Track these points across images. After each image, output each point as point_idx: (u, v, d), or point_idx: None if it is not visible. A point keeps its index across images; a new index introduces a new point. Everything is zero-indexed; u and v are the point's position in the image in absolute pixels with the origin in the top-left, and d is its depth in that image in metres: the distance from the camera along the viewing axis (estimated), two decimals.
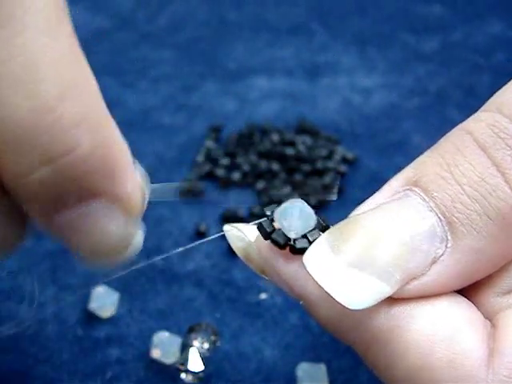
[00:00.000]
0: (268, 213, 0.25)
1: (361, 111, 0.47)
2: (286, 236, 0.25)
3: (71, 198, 0.23)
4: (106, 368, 0.34)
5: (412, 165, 0.25)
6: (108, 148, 0.23)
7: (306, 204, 0.25)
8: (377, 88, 0.48)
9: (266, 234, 0.25)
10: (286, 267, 0.25)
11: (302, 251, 0.24)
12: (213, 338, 0.34)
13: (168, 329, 0.35)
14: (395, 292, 0.23)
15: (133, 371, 0.34)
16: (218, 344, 0.34)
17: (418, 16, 0.53)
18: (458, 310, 0.23)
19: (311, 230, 0.25)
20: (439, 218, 0.23)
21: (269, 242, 0.25)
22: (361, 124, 0.46)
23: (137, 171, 0.25)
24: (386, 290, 0.23)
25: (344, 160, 0.43)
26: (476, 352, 0.22)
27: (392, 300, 0.23)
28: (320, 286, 0.23)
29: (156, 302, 0.37)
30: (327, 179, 0.42)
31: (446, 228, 0.23)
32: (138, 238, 0.26)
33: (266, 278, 0.26)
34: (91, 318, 0.36)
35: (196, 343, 0.34)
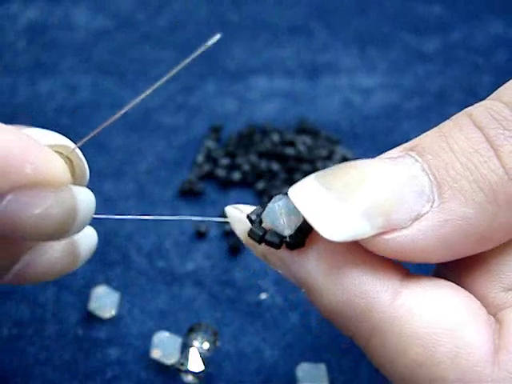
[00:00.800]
0: (253, 217, 0.25)
1: (361, 111, 0.47)
2: (279, 235, 0.25)
3: None
4: (106, 368, 0.34)
5: (412, 139, 0.26)
6: None
7: (287, 196, 0.25)
8: (377, 88, 0.48)
9: (259, 238, 0.25)
10: (288, 255, 0.25)
11: (299, 245, 0.24)
12: (213, 338, 0.34)
13: (168, 329, 0.35)
14: (374, 237, 0.23)
15: (133, 371, 0.34)
16: (218, 344, 0.34)
17: (418, 16, 0.53)
18: (461, 304, 0.23)
19: (303, 222, 0.24)
20: (430, 179, 0.24)
21: (263, 244, 0.25)
22: (361, 124, 0.46)
23: (38, 136, 0.24)
24: (367, 230, 0.23)
25: (344, 160, 0.43)
26: (481, 347, 0.22)
27: (395, 290, 0.23)
28: (303, 215, 0.24)
29: (156, 302, 0.37)
30: None
31: (435, 190, 0.23)
32: (85, 199, 0.25)
33: (268, 263, 0.26)
34: (91, 318, 0.36)
35: (196, 343, 0.34)
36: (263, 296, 0.37)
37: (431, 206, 0.23)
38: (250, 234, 0.25)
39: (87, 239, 0.29)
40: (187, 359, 0.33)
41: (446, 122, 0.25)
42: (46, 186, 0.23)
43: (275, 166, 0.42)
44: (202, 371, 0.33)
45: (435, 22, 0.52)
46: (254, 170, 0.43)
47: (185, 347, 0.34)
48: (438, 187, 0.23)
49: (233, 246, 0.39)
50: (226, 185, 0.42)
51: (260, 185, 0.42)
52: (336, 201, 0.23)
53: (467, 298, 0.24)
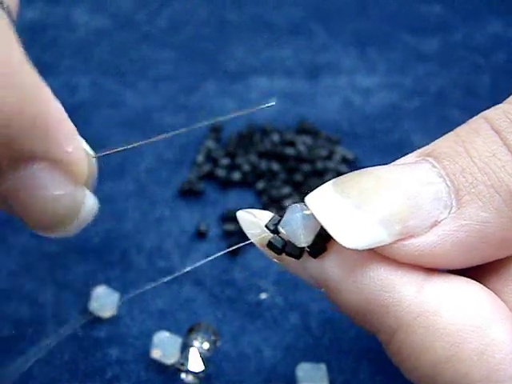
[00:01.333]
0: (271, 228, 0.25)
1: (361, 111, 0.47)
2: (299, 247, 0.25)
3: (4, 159, 0.23)
4: (106, 368, 0.34)
5: (428, 145, 0.25)
6: (35, 110, 0.22)
7: (304, 206, 0.25)
8: (377, 88, 0.48)
9: (279, 250, 0.25)
10: (308, 260, 0.25)
11: (321, 252, 0.24)
12: (213, 338, 0.34)
13: (168, 329, 0.35)
14: (391, 245, 0.23)
15: (133, 371, 0.34)
16: (218, 344, 0.34)
17: (418, 16, 0.53)
18: (487, 301, 0.23)
19: (320, 228, 0.24)
20: (447, 185, 0.24)
21: (283, 255, 0.25)
22: (361, 124, 0.46)
23: (80, 139, 0.25)
24: (384, 238, 0.23)
25: (344, 160, 0.43)
26: (508, 345, 0.22)
27: (420, 284, 0.23)
28: (321, 223, 0.23)
29: (156, 302, 0.37)
30: (327, 179, 0.42)
31: (453, 196, 0.23)
32: (89, 204, 0.26)
33: (283, 265, 0.26)
34: (91, 318, 0.36)
35: (196, 343, 0.34)
36: (263, 296, 0.37)
37: (449, 212, 0.23)
38: (269, 245, 0.25)
39: (90, 202, 0.28)
40: (187, 359, 0.33)
41: (463, 126, 0.25)
42: (72, 174, 0.24)
43: (275, 166, 0.42)
44: (202, 371, 0.33)
45: (435, 21, 0.52)
46: (254, 170, 0.43)
47: (185, 347, 0.34)
48: (456, 193, 0.23)
49: (233, 246, 0.39)
50: (225, 185, 0.42)
51: (260, 185, 0.42)
52: (353, 209, 0.23)
53: (491, 295, 0.24)
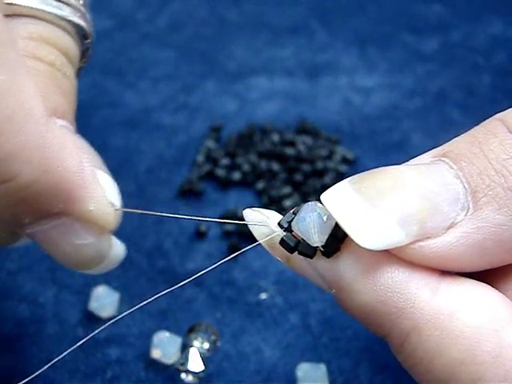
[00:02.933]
0: (285, 226, 0.25)
1: (361, 111, 0.47)
2: (312, 246, 0.24)
3: (27, 216, 0.24)
4: (106, 368, 0.34)
5: (443, 145, 0.25)
6: (55, 174, 0.24)
7: (319, 204, 0.24)
8: (377, 88, 0.48)
9: (291, 248, 0.25)
10: (321, 261, 0.25)
11: (335, 252, 0.24)
12: (213, 337, 0.34)
13: (168, 329, 0.35)
14: (408, 246, 0.23)
15: (133, 371, 0.34)
16: (218, 344, 0.34)
17: (418, 16, 0.53)
18: (501, 304, 0.23)
19: (335, 227, 0.24)
20: (464, 187, 0.23)
21: (296, 253, 0.25)
22: (361, 124, 0.46)
23: (104, 185, 0.27)
24: (401, 238, 0.23)
25: (344, 160, 0.43)
26: None
27: (434, 287, 0.23)
28: (338, 222, 0.23)
29: (156, 302, 0.37)
30: (327, 179, 0.42)
31: (470, 198, 0.23)
32: (116, 250, 0.28)
33: (290, 265, 0.26)
34: (91, 318, 0.36)
35: (196, 343, 0.34)
36: (263, 296, 0.37)
37: (466, 214, 0.23)
38: (282, 243, 0.25)
39: (117, 249, 0.29)
40: (187, 359, 0.33)
41: (478, 128, 0.25)
42: (94, 227, 0.26)
43: (275, 166, 0.43)
44: (202, 371, 0.33)
45: (435, 21, 0.52)
46: (254, 170, 0.43)
47: (185, 347, 0.34)
48: (473, 195, 0.23)
49: (233, 246, 0.39)
50: (225, 185, 0.42)
51: (260, 185, 0.42)
52: (371, 208, 0.23)
53: (504, 298, 0.24)
